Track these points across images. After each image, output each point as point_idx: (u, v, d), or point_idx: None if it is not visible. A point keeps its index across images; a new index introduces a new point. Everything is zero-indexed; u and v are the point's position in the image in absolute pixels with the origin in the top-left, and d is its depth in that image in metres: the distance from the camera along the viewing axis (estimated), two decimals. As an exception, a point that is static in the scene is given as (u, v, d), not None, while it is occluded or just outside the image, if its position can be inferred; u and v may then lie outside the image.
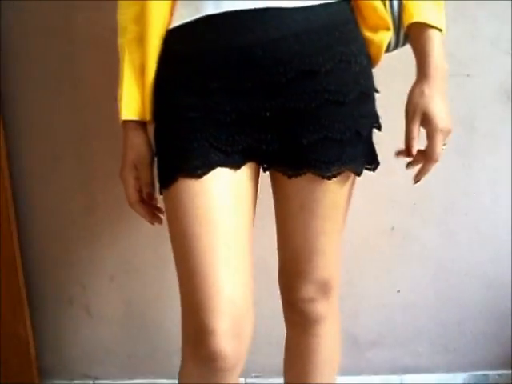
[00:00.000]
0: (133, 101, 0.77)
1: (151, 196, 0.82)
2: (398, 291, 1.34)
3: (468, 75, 1.19)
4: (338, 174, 0.74)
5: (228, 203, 0.72)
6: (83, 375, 1.42)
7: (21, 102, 1.22)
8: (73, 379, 1.42)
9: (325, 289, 0.85)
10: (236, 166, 0.74)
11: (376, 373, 1.38)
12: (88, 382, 1.42)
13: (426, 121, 0.73)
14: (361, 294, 1.34)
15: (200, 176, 0.70)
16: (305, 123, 0.72)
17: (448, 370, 1.38)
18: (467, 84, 1.19)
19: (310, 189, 0.76)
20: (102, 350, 1.41)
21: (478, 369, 1.38)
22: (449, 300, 1.34)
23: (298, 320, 0.88)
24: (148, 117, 0.78)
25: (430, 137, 0.73)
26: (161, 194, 0.77)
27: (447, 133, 0.73)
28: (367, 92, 0.76)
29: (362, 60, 0.74)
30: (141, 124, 0.79)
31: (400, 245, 1.30)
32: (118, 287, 1.35)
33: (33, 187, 1.28)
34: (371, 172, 0.80)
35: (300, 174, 0.75)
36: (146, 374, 1.41)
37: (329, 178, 0.74)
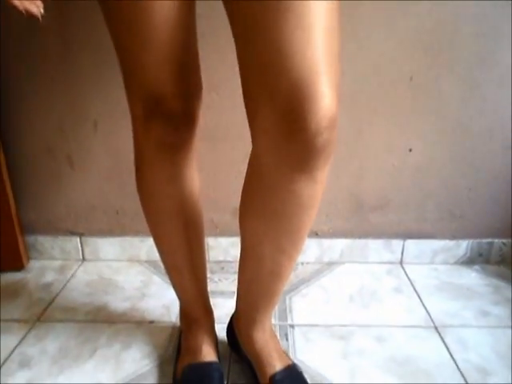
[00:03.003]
0: None
1: None
2: (410, 150, 1.23)
3: None
4: None
5: None
6: (69, 232, 1.34)
7: None
8: (58, 235, 1.34)
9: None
10: None
11: (378, 236, 1.32)
12: (74, 238, 1.34)
13: None
14: (369, 152, 1.23)
15: None
16: None
17: (452, 237, 1.32)
18: None
19: None
20: (88, 205, 1.31)
21: (482, 237, 1.32)
22: (463, 163, 1.24)
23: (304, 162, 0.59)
24: None
25: None
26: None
27: None
28: None
29: None
30: None
31: (417, 97, 1.17)
32: (103, 135, 1.22)
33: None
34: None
35: None
36: (134, 231, 1.33)
37: None
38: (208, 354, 0.87)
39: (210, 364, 0.86)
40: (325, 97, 0.54)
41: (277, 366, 0.83)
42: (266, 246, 0.69)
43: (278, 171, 0.60)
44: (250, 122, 0.61)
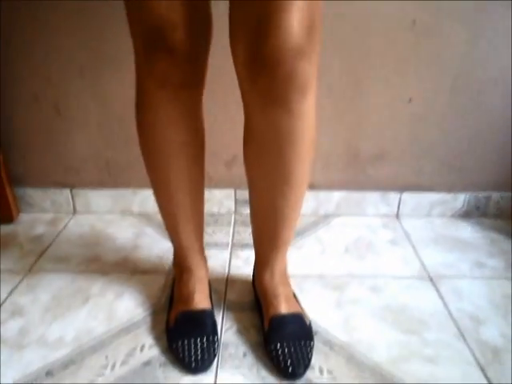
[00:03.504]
0: None
1: None
2: (410, 100, 1.19)
3: None
4: None
5: None
6: (59, 183, 1.31)
7: None
8: (48, 188, 1.31)
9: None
10: None
11: (375, 189, 1.30)
12: (64, 190, 1.31)
13: None
14: (367, 102, 1.19)
15: None
16: None
17: (450, 190, 1.30)
18: None
19: None
20: (78, 157, 1.27)
21: (480, 190, 1.30)
22: (464, 114, 1.20)
23: (275, 93, 0.62)
24: None
25: None
26: None
27: None
28: None
29: None
30: None
31: (419, 42, 1.11)
32: (90, 82, 1.17)
33: None
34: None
35: None
36: (126, 183, 1.30)
37: None
38: (200, 302, 0.86)
39: (202, 311, 0.85)
40: (290, 27, 0.56)
41: (281, 309, 0.84)
42: (260, 180, 0.73)
43: (256, 104, 0.64)
44: (234, 63, 0.64)
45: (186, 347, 0.80)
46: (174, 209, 0.81)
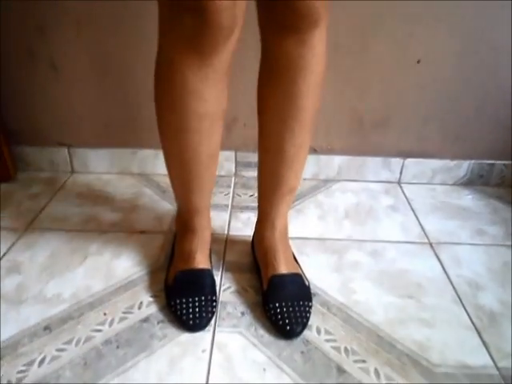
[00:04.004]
0: None
1: None
2: (418, 62, 1.15)
3: None
4: None
5: None
6: (56, 142, 1.29)
7: None
8: (45, 146, 1.29)
9: None
10: None
11: (377, 155, 1.28)
12: (62, 149, 1.29)
13: None
14: (373, 64, 1.15)
15: None
16: None
17: (453, 158, 1.28)
18: None
19: None
20: (75, 115, 1.24)
21: (484, 158, 1.28)
22: (472, 80, 1.17)
23: (288, 22, 0.65)
24: None
25: None
26: None
27: None
28: None
29: None
30: None
31: (431, 1, 1.07)
32: (87, 38, 1.13)
33: None
34: None
35: None
36: (125, 142, 1.27)
37: None
38: (201, 262, 0.86)
39: (202, 270, 0.85)
40: None
41: (281, 269, 0.84)
42: (270, 113, 0.76)
43: (271, 32, 0.68)
44: None
45: (184, 305, 0.80)
46: (188, 176, 0.78)
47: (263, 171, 0.85)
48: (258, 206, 0.90)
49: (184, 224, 0.90)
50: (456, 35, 1.11)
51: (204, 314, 0.79)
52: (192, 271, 0.85)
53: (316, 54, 0.69)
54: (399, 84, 1.18)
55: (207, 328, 0.80)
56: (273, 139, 0.78)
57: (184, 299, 0.81)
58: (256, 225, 0.93)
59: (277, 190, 0.83)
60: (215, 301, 0.83)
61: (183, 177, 0.79)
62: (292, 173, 0.81)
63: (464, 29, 1.10)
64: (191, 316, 0.79)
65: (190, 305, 0.80)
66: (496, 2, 1.06)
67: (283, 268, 0.84)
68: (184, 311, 0.79)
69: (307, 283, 0.86)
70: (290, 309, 0.79)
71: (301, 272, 0.88)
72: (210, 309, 0.80)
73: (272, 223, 0.87)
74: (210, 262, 0.90)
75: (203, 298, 0.81)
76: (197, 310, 0.79)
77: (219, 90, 0.69)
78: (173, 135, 0.73)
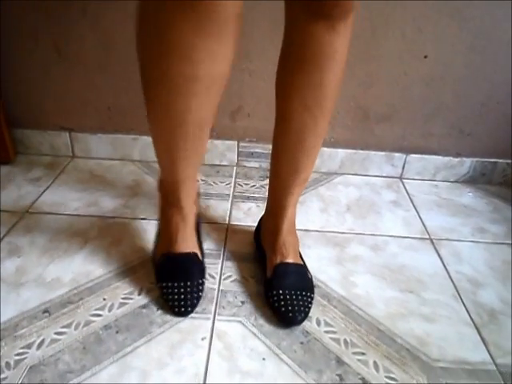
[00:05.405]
0: None
1: None
2: (425, 57, 1.14)
3: None
4: None
5: None
6: (58, 126, 1.27)
7: None
8: (46, 130, 1.28)
9: None
10: None
11: (381, 149, 1.27)
12: (63, 134, 1.28)
13: None
14: (380, 57, 1.14)
15: None
16: None
17: (457, 155, 1.28)
18: None
19: None
20: (78, 100, 1.23)
21: (487, 156, 1.28)
22: (479, 76, 1.16)
23: (322, 9, 0.64)
24: None
25: None
26: None
27: None
28: None
29: None
30: None
31: (441, -4, 1.06)
32: (93, 22, 1.11)
33: None
34: None
35: None
36: (127, 128, 1.26)
37: None
38: (184, 242, 0.83)
39: (186, 255, 0.83)
40: None
41: (288, 258, 0.83)
42: (293, 101, 0.72)
43: (300, 18, 0.66)
44: None
45: (170, 290, 0.80)
46: (172, 145, 0.71)
47: (280, 159, 0.81)
48: (269, 193, 0.88)
49: (167, 196, 0.84)
50: (464, 32, 1.10)
51: (189, 302, 0.79)
52: (175, 256, 0.82)
53: (343, 44, 0.68)
54: (405, 79, 1.17)
55: (207, 316, 0.79)
56: (295, 127, 0.75)
57: (170, 283, 0.80)
58: (265, 212, 0.92)
59: (292, 179, 0.80)
60: (202, 284, 0.82)
61: (166, 145, 0.71)
62: (310, 162, 0.79)
63: (472, 26, 1.10)
64: (176, 303, 0.78)
65: (176, 290, 0.79)
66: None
67: (291, 257, 0.84)
68: (170, 296, 0.79)
69: (310, 276, 0.86)
70: (294, 297, 0.78)
71: (305, 264, 0.88)
72: (195, 294, 0.80)
73: (284, 211, 0.85)
74: (199, 241, 0.87)
75: (189, 283, 0.80)
76: (182, 296, 0.79)
77: (217, 48, 0.59)
78: (155, 98, 0.65)
